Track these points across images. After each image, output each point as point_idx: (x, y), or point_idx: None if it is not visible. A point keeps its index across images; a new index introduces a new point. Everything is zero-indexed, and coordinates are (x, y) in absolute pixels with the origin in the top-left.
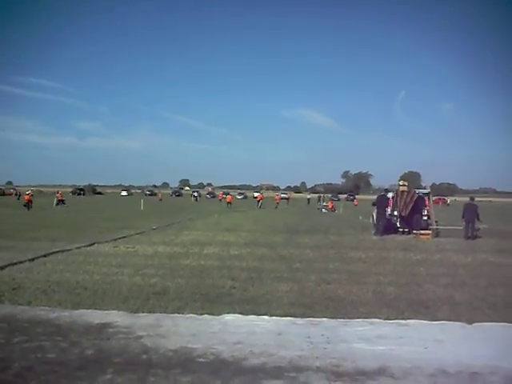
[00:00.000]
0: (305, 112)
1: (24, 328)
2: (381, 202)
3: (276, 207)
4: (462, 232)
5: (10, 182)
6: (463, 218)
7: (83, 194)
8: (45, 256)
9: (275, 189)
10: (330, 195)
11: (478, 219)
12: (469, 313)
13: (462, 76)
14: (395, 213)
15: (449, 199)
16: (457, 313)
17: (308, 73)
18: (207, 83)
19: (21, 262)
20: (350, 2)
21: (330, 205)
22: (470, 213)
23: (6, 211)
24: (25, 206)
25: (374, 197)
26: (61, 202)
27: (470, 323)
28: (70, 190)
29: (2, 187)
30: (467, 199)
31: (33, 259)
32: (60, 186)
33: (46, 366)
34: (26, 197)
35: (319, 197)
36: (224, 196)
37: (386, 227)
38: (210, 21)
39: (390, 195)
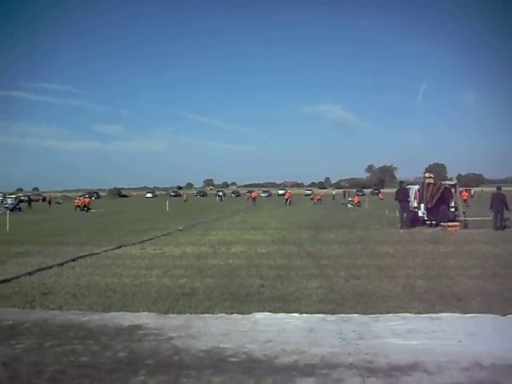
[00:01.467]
0: (326, 107)
1: (56, 332)
2: (401, 195)
3: (315, 203)
4: (491, 223)
5: (36, 188)
6: (491, 208)
7: (97, 198)
8: (73, 260)
9: (299, 186)
10: (354, 190)
11: (507, 209)
12: (501, 304)
13: (483, 65)
14: (422, 205)
15: (473, 190)
16: (489, 305)
17: (328, 69)
18: (227, 82)
19: (50, 267)
20: (372, 1)
21: (355, 200)
22: (498, 203)
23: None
24: (83, 209)
25: None
26: (85, 207)
27: (504, 315)
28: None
29: (30, 194)
30: (494, 189)
31: (62, 264)
32: (85, 190)
33: (79, 369)
34: (84, 201)
35: (344, 192)
36: (248, 194)
37: (413, 220)
38: (229, 19)
39: (412, 187)
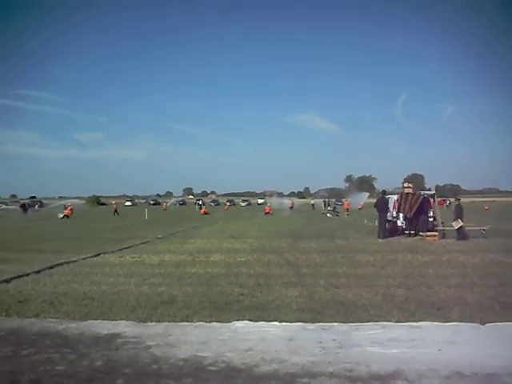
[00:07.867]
0: (306, 117)
1: (32, 340)
2: (381, 205)
3: (348, 214)
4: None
5: (14, 196)
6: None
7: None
8: (51, 268)
9: (279, 195)
10: (334, 200)
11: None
12: (481, 313)
13: (462, 77)
14: (401, 215)
15: (449, 200)
16: (469, 313)
17: (308, 78)
18: (207, 91)
19: (27, 275)
20: (349, 5)
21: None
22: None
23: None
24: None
25: None
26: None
27: (483, 324)
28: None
29: (7, 201)
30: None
31: (39, 271)
32: (64, 198)
33: (55, 378)
34: (66, 211)
35: (324, 202)
36: (228, 204)
37: (391, 230)
38: (209, 27)
39: (391, 197)
